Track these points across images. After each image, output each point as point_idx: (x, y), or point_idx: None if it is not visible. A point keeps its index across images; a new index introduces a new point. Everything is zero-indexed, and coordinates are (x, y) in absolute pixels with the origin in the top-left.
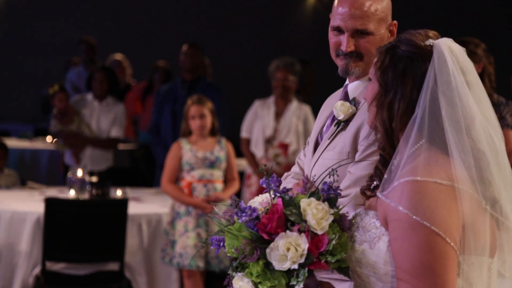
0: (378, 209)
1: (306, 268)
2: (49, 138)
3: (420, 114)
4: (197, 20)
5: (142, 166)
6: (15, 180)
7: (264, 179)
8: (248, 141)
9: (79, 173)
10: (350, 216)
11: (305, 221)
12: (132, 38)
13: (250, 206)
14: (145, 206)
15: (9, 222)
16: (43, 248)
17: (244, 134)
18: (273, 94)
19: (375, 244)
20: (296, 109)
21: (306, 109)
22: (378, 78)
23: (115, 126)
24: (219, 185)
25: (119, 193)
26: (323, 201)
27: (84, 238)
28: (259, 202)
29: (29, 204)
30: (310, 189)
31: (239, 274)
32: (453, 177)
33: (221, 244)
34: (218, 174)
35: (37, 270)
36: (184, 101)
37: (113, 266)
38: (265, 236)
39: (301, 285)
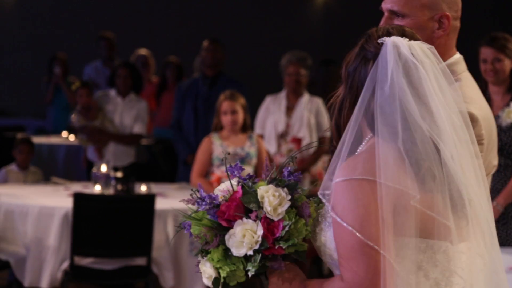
0: (331, 198)
1: (260, 254)
2: (65, 133)
3: (362, 114)
4: (207, 15)
5: (161, 162)
6: (39, 177)
7: (229, 166)
8: (261, 137)
9: (104, 168)
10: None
11: (263, 208)
12: (142, 33)
13: (210, 195)
14: (170, 201)
15: (37, 217)
16: (72, 243)
17: (257, 130)
18: (284, 89)
19: (327, 232)
20: (307, 102)
21: (318, 102)
22: (342, 77)
23: (138, 122)
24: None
25: (143, 188)
26: (283, 187)
27: (111, 233)
28: (220, 190)
29: (56, 199)
30: (271, 176)
31: (204, 258)
32: (377, 171)
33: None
34: (248, 169)
35: (65, 264)
36: (206, 97)
37: (140, 261)
38: (224, 223)
39: (255, 269)
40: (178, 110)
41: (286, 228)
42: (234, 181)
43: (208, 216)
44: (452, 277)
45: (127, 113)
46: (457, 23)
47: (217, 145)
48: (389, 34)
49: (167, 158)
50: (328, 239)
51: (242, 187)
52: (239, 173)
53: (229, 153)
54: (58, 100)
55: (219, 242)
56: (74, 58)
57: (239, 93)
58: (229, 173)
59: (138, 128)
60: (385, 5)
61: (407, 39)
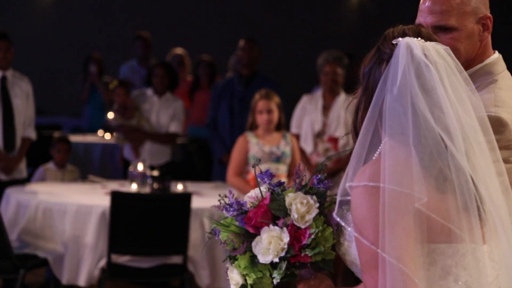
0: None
1: (286, 261)
2: (100, 132)
3: (374, 114)
4: (242, 14)
5: (196, 160)
6: (77, 176)
7: (259, 173)
8: (297, 137)
9: (140, 167)
10: None
11: (290, 215)
12: (176, 32)
13: (238, 201)
14: (206, 200)
15: (75, 216)
16: (109, 241)
17: (293, 129)
18: (321, 88)
19: (352, 242)
20: (344, 101)
21: (355, 101)
22: (360, 81)
23: (174, 122)
24: (284, 180)
25: (179, 187)
26: (313, 195)
27: (148, 232)
28: (249, 196)
29: (93, 197)
30: (300, 183)
31: (232, 265)
32: (381, 176)
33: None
34: (283, 168)
35: (103, 262)
36: (241, 96)
37: (177, 260)
38: (251, 230)
39: (280, 277)
40: (214, 109)
41: (313, 236)
42: (264, 188)
43: (236, 223)
44: (482, 278)
45: (163, 112)
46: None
47: (253, 144)
48: (404, 35)
49: (202, 157)
50: (352, 249)
51: (271, 194)
52: (269, 180)
53: (259, 160)
54: (93, 99)
55: (246, 248)
56: (109, 58)
57: (274, 92)
58: (259, 179)
59: (174, 127)
60: (426, 20)
61: (423, 40)
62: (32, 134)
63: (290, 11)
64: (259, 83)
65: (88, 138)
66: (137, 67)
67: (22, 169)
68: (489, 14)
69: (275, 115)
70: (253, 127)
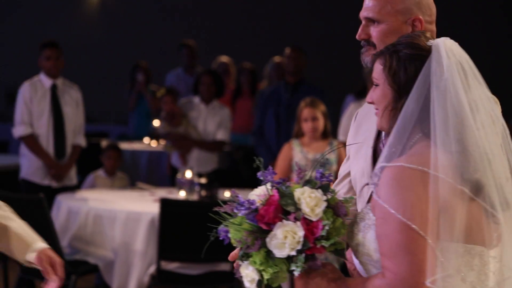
0: (372, 198)
1: (304, 254)
2: (147, 139)
3: (414, 108)
4: (286, 21)
5: (241, 168)
6: (126, 183)
7: (261, 172)
8: (343, 144)
9: (188, 174)
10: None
11: (300, 209)
12: (220, 39)
13: (248, 200)
14: None
15: (124, 222)
16: (158, 247)
17: (341, 137)
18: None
19: (366, 233)
20: None
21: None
22: (390, 83)
23: (221, 129)
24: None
25: (227, 194)
26: (317, 189)
27: (197, 239)
28: (257, 194)
29: (142, 204)
30: (304, 178)
31: (245, 262)
32: (432, 165)
33: (228, 235)
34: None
35: (152, 269)
36: (288, 103)
37: (225, 267)
38: (264, 227)
39: (300, 269)
40: (260, 116)
41: (327, 227)
42: (269, 185)
43: (247, 221)
44: (487, 281)
45: (210, 120)
46: (433, 27)
47: (297, 151)
48: (428, 39)
49: (248, 164)
50: (367, 239)
51: (278, 190)
52: (272, 178)
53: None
54: (140, 107)
55: (260, 245)
56: (155, 66)
57: (319, 100)
58: (262, 177)
59: (221, 135)
60: (362, 14)
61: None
62: (82, 142)
63: (335, 17)
64: (305, 90)
65: (135, 146)
66: (182, 75)
67: (73, 176)
68: (420, 17)
69: (321, 123)
70: (299, 135)
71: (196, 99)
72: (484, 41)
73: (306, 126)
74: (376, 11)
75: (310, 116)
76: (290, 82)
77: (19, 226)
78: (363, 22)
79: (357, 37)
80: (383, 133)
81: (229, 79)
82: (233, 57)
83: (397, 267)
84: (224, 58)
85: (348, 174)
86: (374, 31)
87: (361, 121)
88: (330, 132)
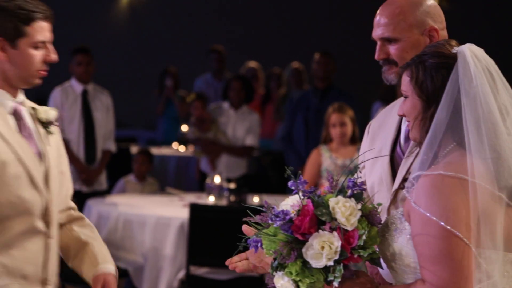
0: (405, 205)
1: (342, 264)
2: (175, 145)
3: (445, 116)
4: (313, 26)
5: (270, 173)
6: (156, 188)
7: (292, 181)
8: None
9: (217, 179)
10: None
11: (335, 219)
12: (248, 45)
13: (282, 211)
14: None
15: (154, 227)
16: (187, 252)
17: None
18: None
19: (398, 238)
20: None
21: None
22: (418, 94)
23: (250, 135)
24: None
25: (256, 199)
26: (349, 198)
27: (226, 244)
28: (290, 205)
29: (172, 209)
30: (337, 188)
31: (279, 273)
32: (469, 172)
33: (259, 245)
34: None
35: (181, 274)
36: (317, 109)
37: (254, 272)
38: (300, 237)
39: (338, 279)
40: (289, 122)
41: (364, 237)
42: (301, 195)
43: (282, 231)
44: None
45: (239, 125)
46: (445, 33)
47: (326, 157)
48: (452, 46)
49: (276, 170)
50: (398, 245)
51: (311, 200)
52: (303, 187)
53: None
54: (168, 112)
55: (297, 256)
56: (183, 72)
57: (347, 105)
58: (293, 187)
59: (250, 140)
60: (376, 34)
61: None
62: (112, 147)
63: (363, 22)
64: (335, 96)
65: (163, 151)
66: (211, 81)
67: (103, 181)
68: (436, 26)
69: (349, 128)
70: (327, 141)
71: (226, 105)
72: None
73: (335, 132)
74: (391, 29)
75: (338, 121)
76: (319, 88)
77: (97, 246)
78: (379, 42)
79: (376, 57)
80: (400, 142)
81: (257, 84)
82: (261, 63)
83: (439, 274)
84: (253, 64)
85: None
86: (393, 49)
87: (376, 132)
88: (359, 137)
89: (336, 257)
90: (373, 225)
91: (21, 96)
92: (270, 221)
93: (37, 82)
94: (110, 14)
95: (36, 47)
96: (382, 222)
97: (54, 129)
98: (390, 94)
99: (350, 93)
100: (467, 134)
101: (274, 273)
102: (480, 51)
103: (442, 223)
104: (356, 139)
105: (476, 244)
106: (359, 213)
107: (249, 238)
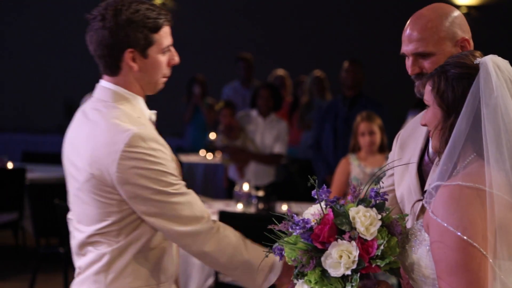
0: (424, 216)
1: (359, 273)
2: (203, 152)
3: (465, 126)
4: (342, 34)
5: (298, 181)
6: None
7: (315, 190)
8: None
9: (246, 187)
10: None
11: (355, 229)
12: (276, 53)
13: (303, 219)
14: None
15: None
16: None
17: None
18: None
19: (417, 249)
20: None
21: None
22: (439, 103)
23: (279, 143)
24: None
25: (284, 207)
26: (371, 207)
27: None
28: (311, 214)
29: None
30: (358, 197)
31: (300, 281)
32: (488, 183)
33: (282, 253)
34: None
35: (210, 281)
36: (346, 117)
37: None
38: (319, 246)
39: None
40: (318, 130)
41: (382, 247)
42: (323, 204)
43: (302, 240)
44: None
45: (268, 133)
46: (472, 42)
47: (354, 166)
48: (475, 57)
49: (304, 177)
50: (418, 256)
51: (332, 209)
52: (327, 196)
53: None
54: (196, 119)
55: (315, 264)
56: (211, 79)
57: (375, 114)
58: (316, 196)
59: (278, 148)
60: (407, 49)
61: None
62: None
63: (392, 31)
64: (363, 104)
65: (191, 158)
66: (239, 88)
67: None
68: (466, 37)
69: (377, 137)
70: (356, 149)
71: (254, 113)
72: None
73: (363, 140)
74: (425, 44)
75: (367, 130)
76: (348, 96)
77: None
78: (411, 57)
79: (410, 73)
80: (428, 152)
81: (285, 92)
82: (289, 70)
83: (455, 286)
84: (280, 71)
85: (392, 190)
86: (428, 63)
87: (405, 142)
88: (387, 146)
89: (354, 267)
90: (393, 235)
91: None
92: (290, 229)
93: (161, 87)
94: None
95: (163, 52)
96: (403, 233)
97: None
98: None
99: (378, 102)
100: (486, 145)
101: (295, 281)
102: (504, 62)
103: (459, 234)
104: (384, 148)
105: (493, 255)
106: (379, 223)
107: (273, 246)
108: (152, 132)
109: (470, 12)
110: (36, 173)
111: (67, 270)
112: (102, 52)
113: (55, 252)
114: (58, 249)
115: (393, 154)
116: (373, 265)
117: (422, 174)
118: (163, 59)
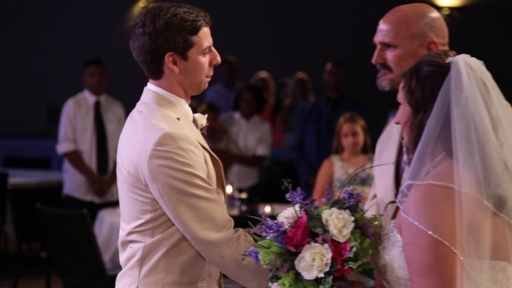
0: (397, 216)
1: (332, 276)
2: None
3: (435, 125)
4: (326, 37)
5: (281, 183)
6: None
7: (289, 193)
8: None
9: (229, 189)
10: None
11: (328, 231)
12: (259, 55)
13: (276, 223)
14: None
15: None
16: None
17: None
18: None
19: (390, 250)
20: None
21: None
22: (408, 100)
23: (261, 145)
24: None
25: (267, 209)
26: (345, 209)
27: None
28: (285, 217)
29: None
30: (332, 199)
31: (275, 284)
32: (456, 181)
33: (258, 256)
34: (369, 191)
35: None
36: (329, 119)
37: None
38: (293, 249)
39: None
40: (301, 131)
41: (354, 249)
42: (297, 207)
43: (276, 243)
44: None
45: (251, 135)
46: (446, 48)
47: (337, 167)
48: (447, 56)
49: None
50: (391, 257)
51: (306, 212)
52: (301, 199)
53: (288, 180)
54: None
55: (289, 267)
56: None
57: (358, 115)
58: (290, 199)
59: (261, 150)
60: (377, 38)
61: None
62: None
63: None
64: (346, 106)
65: None
66: (223, 91)
67: (115, 191)
68: (436, 40)
69: (360, 138)
70: (339, 150)
71: (237, 115)
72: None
73: (346, 141)
74: (392, 36)
75: (350, 131)
76: (331, 98)
77: None
78: (379, 46)
79: (373, 61)
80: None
81: (268, 94)
82: (272, 73)
83: (427, 286)
84: (263, 74)
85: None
86: (391, 55)
87: (383, 145)
88: (371, 147)
89: (327, 269)
90: (366, 237)
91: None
92: (264, 233)
93: (205, 88)
94: (124, 24)
95: (204, 53)
96: (376, 234)
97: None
98: None
99: (361, 103)
100: (455, 144)
101: (270, 284)
102: (476, 62)
103: (430, 232)
104: (367, 149)
105: (464, 254)
106: (352, 225)
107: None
108: (185, 132)
109: (453, 14)
110: (18, 178)
111: (49, 274)
112: (144, 58)
113: (37, 257)
114: (40, 254)
115: (375, 157)
116: (346, 267)
117: (398, 175)
118: (204, 60)
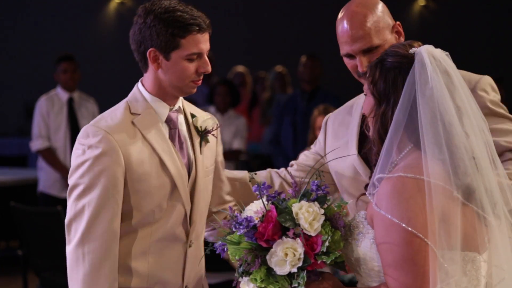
0: (368, 208)
1: (305, 271)
2: None
3: (402, 117)
4: (302, 30)
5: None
6: None
7: (256, 186)
8: None
9: None
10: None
11: (299, 225)
12: (236, 50)
13: (246, 218)
14: None
15: None
16: None
17: None
18: None
19: (361, 242)
20: None
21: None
22: (372, 91)
23: (237, 138)
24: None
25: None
26: (313, 201)
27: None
28: (254, 211)
29: None
30: (300, 192)
31: (245, 278)
32: (425, 172)
33: (225, 249)
34: None
35: None
36: (304, 111)
37: None
38: (264, 244)
39: (302, 286)
40: (277, 124)
41: (326, 243)
42: (264, 199)
43: (246, 239)
44: (479, 286)
45: (226, 129)
46: None
47: None
48: (411, 47)
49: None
50: (364, 249)
51: (275, 205)
52: (268, 192)
53: (255, 173)
54: None
55: (261, 263)
56: None
57: (333, 107)
58: (258, 192)
59: (237, 144)
60: (354, 48)
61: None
62: None
63: None
64: (321, 98)
65: None
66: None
67: None
68: (397, 22)
69: None
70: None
71: (212, 109)
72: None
73: None
74: (370, 39)
75: None
76: (306, 90)
77: None
78: (359, 55)
79: (361, 71)
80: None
81: (245, 88)
82: (248, 67)
83: (401, 280)
84: (240, 68)
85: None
86: (375, 56)
87: (336, 131)
88: None
89: (300, 264)
90: (337, 229)
91: (179, 104)
92: (234, 229)
93: (192, 91)
94: (97, 21)
95: (189, 59)
96: (346, 226)
97: (211, 137)
98: None
99: (336, 95)
100: (422, 135)
101: (240, 278)
102: (439, 53)
103: (403, 225)
104: None
105: (436, 245)
106: (323, 218)
107: (215, 243)
108: (98, 129)
109: (428, 5)
110: None
111: (26, 272)
112: (133, 47)
113: (13, 255)
114: (16, 252)
115: (324, 139)
116: (319, 261)
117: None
118: (188, 65)
